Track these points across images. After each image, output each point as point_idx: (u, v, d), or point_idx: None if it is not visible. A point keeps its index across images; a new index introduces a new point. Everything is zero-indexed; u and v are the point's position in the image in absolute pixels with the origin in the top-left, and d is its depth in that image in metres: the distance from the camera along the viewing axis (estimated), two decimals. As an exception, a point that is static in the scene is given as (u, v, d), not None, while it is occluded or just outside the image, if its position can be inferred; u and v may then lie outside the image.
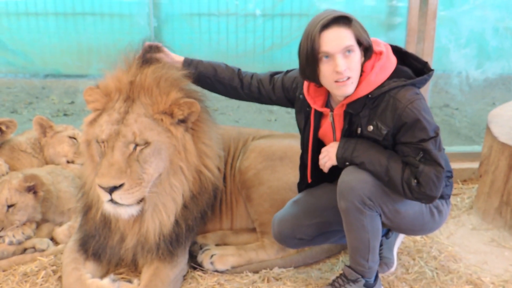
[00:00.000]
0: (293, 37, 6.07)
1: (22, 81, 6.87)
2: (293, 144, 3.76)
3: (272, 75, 3.36)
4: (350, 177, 2.89)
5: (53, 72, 6.60)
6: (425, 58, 4.52)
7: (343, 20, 2.73)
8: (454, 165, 4.72)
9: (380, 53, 2.85)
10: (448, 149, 5.09)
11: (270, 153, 3.70)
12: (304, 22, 6.04)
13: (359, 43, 2.76)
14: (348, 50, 2.72)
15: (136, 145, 2.96)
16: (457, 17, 5.92)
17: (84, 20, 6.12)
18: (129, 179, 2.90)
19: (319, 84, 2.89)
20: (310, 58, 2.77)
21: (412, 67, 2.95)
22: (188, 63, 3.38)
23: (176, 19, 5.97)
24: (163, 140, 3.03)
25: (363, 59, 2.82)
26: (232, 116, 6.39)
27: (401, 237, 3.57)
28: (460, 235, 4.01)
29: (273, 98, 3.33)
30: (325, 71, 2.77)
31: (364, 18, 6.03)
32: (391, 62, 2.86)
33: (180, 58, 3.39)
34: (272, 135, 4.00)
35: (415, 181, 2.75)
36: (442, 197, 3.06)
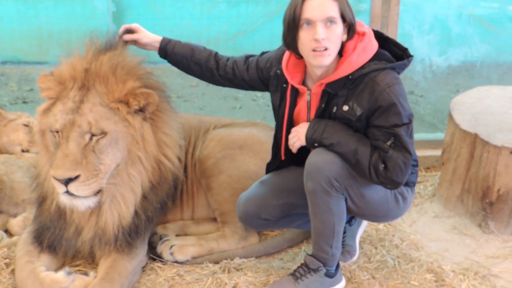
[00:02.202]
0: (258, 23, 6.02)
1: (-21, 68, 6.68)
2: (253, 133, 3.71)
3: (248, 57, 3.30)
4: (318, 158, 2.86)
5: (11, 58, 6.44)
6: (388, 45, 4.52)
7: None
8: (418, 153, 4.71)
9: (363, 34, 2.83)
10: (412, 136, 5.11)
11: (229, 142, 3.64)
12: (269, 9, 6.00)
13: (343, 18, 2.73)
14: (330, 20, 2.68)
15: (92, 135, 2.87)
16: (421, 3, 5.93)
17: (43, 4, 5.97)
18: (85, 170, 2.81)
19: (298, 54, 2.86)
20: (291, 24, 2.75)
21: (392, 53, 2.92)
22: (166, 42, 3.28)
23: (139, 4, 5.88)
24: (120, 130, 2.94)
25: (345, 36, 2.79)
26: (196, 103, 6.30)
27: (363, 225, 3.56)
28: (423, 223, 4.02)
29: (246, 78, 3.24)
30: (304, 38, 2.73)
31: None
32: (373, 45, 2.84)
33: (158, 38, 3.29)
34: (234, 123, 3.94)
35: (383, 165, 2.75)
36: (407, 184, 3.06)
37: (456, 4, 6.16)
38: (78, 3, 5.88)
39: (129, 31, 3.29)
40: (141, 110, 3.03)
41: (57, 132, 2.92)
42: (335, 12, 2.69)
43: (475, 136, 3.87)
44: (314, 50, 2.72)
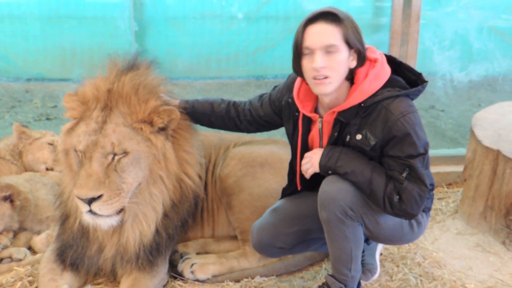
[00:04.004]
0: (278, 39, 6.03)
1: (4, 85, 6.78)
2: (274, 150, 3.72)
3: (261, 95, 3.31)
4: (331, 187, 2.82)
5: (36, 75, 6.52)
6: (409, 61, 4.54)
7: (331, 16, 2.64)
8: (439, 169, 4.75)
9: (375, 60, 2.76)
10: (433, 152, 5.07)
11: (250, 160, 3.64)
12: (289, 24, 6.02)
13: (349, 44, 2.67)
14: (330, 49, 2.63)
15: (115, 155, 2.90)
16: (441, 18, 5.90)
17: (67, 23, 6.06)
18: (107, 190, 2.84)
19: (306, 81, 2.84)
20: (295, 51, 2.74)
21: (405, 78, 2.86)
22: (184, 103, 3.31)
23: (160, 22, 5.92)
24: (142, 150, 2.97)
25: (354, 62, 2.73)
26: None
27: (383, 242, 3.54)
28: (445, 240, 3.97)
29: (261, 115, 3.24)
30: (305, 66, 2.72)
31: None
32: (386, 70, 2.77)
33: (175, 101, 3.29)
34: (254, 141, 3.95)
35: (397, 197, 2.71)
36: (423, 210, 3.01)
37: (477, 18, 6.10)
38: (101, 22, 5.95)
39: None
40: (163, 129, 3.05)
41: (80, 152, 2.95)
42: (335, 39, 2.63)
43: (498, 152, 3.83)
44: (314, 78, 2.69)
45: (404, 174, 2.69)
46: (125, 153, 2.91)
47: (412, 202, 2.70)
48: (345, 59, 2.68)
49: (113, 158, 2.89)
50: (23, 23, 6.14)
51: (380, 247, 3.51)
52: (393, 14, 4.68)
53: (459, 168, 4.61)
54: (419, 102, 6.64)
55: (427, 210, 3.07)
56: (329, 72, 2.66)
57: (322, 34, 2.63)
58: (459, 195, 4.52)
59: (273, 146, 3.79)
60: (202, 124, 3.39)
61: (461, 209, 4.24)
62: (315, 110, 2.98)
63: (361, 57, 2.73)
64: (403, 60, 4.48)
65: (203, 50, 6.06)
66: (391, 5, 4.67)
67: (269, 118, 3.24)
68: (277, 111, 3.19)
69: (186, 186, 3.22)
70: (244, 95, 6.71)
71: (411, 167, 2.68)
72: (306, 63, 2.71)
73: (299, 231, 3.13)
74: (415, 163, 2.68)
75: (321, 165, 2.87)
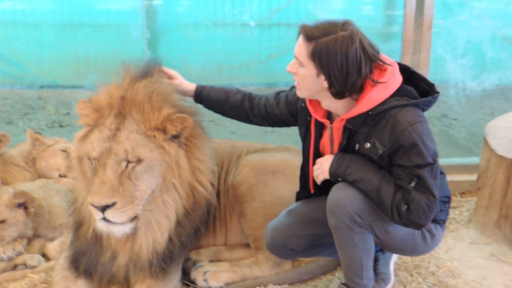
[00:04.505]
0: (290, 47, 6.03)
1: (18, 92, 6.85)
2: (286, 158, 3.72)
3: (279, 92, 3.34)
4: (339, 194, 2.84)
5: (49, 82, 6.59)
6: (421, 69, 4.53)
7: (305, 32, 2.67)
8: (452, 178, 4.72)
9: (385, 69, 2.74)
10: (446, 161, 5.05)
11: (262, 168, 3.65)
12: (301, 32, 6.01)
13: (323, 70, 2.65)
14: (298, 61, 2.73)
15: (128, 162, 2.91)
16: (454, 27, 5.89)
17: (80, 31, 6.12)
18: (121, 197, 2.84)
19: None
20: None
21: (418, 88, 2.85)
22: (200, 88, 3.37)
23: (172, 29, 5.96)
24: (155, 157, 2.97)
25: (325, 84, 2.69)
26: (228, 127, 6.34)
27: (398, 251, 3.53)
28: (459, 250, 3.94)
29: (276, 113, 3.27)
30: None
31: (362, 28, 6.02)
32: (396, 80, 2.75)
33: (193, 85, 3.38)
34: (266, 148, 3.95)
35: (405, 206, 2.70)
36: (436, 221, 3.01)
37: (490, 27, 6.09)
38: (114, 30, 6.00)
39: (168, 77, 3.37)
40: (176, 136, 3.06)
41: (94, 159, 2.97)
42: (300, 55, 2.69)
43: (511, 161, 3.81)
44: None
45: (413, 184, 2.68)
46: (139, 160, 2.91)
47: (420, 212, 2.69)
48: (309, 76, 2.71)
49: (126, 166, 2.90)
50: (38, 30, 6.20)
51: (394, 256, 3.49)
52: (405, 23, 4.66)
53: (473, 177, 4.57)
54: (432, 111, 6.60)
55: (442, 222, 3.07)
56: (297, 79, 2.80)
57: (296, 45, 2.73)
58: (472, 204, 4.49)
59: (286, 153, 3.79)
60: (215, 111, 3.42)
61: (475, 218, 4.21)
62: (329, 116, 2.99)
63: (332, 83, 2.67)
64: (416, 69, 4.50)
65: (215, 57, 6.10)
66: (403, 13, 4.65)
67: (284, 117, 3.28)
68: (292, 112, 3.22)
69: (199, 194, 3.23)
70: (256, 102, 6.73)
71: (419, 177, 2.67)
72: None
73: (312, 235, 3.14)
74: (423, 173, 2.67)
75: (331, 172, 2.88)
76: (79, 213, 3.24)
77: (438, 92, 2.83)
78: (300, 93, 2.84)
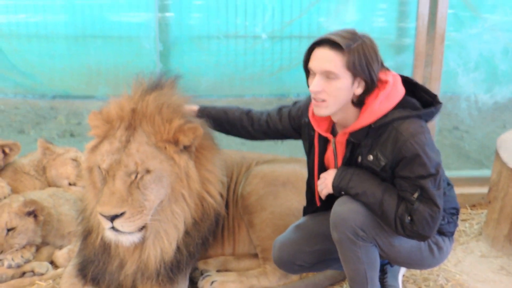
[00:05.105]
0: (301, 59, 6.05)
1: (30, 102, 6.88)
2: (296, 169, 3.71)
3: (281, 108, 3.33)
4: (342, 208, 2.82)
5: (61, 93, 6.62)
6: (433, 82, 4.51)
7: (335, 44, 2.62)
8: (463, 190, 4.69)
9: (386, 82, 2.74)
10: (457, 173, 5.03)
11: (272, 179, 3.65)
12: (312, 44, 6.03)
13: (354, 72, 2.65)
14: (329, 75, 2.63)
15: (137, 173, 2.92)
16: (466, 40, 5.87)
17: (93, 42, 6.16)
18: (130, 207, 2.85)
19: None
20: (304, 70, 2.78)
21: (422, 100, 2.84)
22: (202, 110, 3.39)
23: (185, 41, 5.98)
24: (165, 168, 2.98)
25: (360, 90, 2.71)
26: (238, 138, 6.33)
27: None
28: (469, 263, 3.91)
29: (279, 128, 3.27)
30: (309, 85, 2.74)
31: (374, 40, 6.02)
32: (398, 92, 2.75)
33: (194, 108, 3.38)
34: (276, 159, 3.95)
35: (409, 218, 2.67)
36: (444, 234, 2.98)
37: (502, 40, 6.05)
38: (126, 42, 6.04)
39: None
40: (186, 147, 3.07)
41: (104, 170, 2.97)
42: (335, 67, 2.61)
43: (523, 174, 3.78)
44: (314, 99, 2.72)
45: (416, 195, 2.66)
46: (148, 171, 2.92)
47: (424, 223, 2.66)
48: (345, 87, 2.67)
49: (136, 176, 2.91)
50: (50, 42, 6.25)
51: (403, 268, 3.46)
52: (417, 36, 4.66)
53: (483, 190, 4.55)
54: (443, 123, 6.63)
55: (450, 234, 3.03)
56: (325, 96, 2.67)
57: (323, 60, 2.63)
58: (483, 216, 4.46)
59: (295, 165, 3.79)
60: (218, 131, 3.43)
61: (485, 231, 4.17)
62: (332, 130, 2.98)
63: (371, 85, 2.71)
64: (427, 82, 4.49)
65: (227, 69, 6.11)
66: (415, 26, 4.65)
67: (287, 132, 3.28)
68: (296, 127, 3.21)
69: (208, 204, 3.23)
70: (266, 114, 6.74)
71: (422, 188, 2.65)
72: (309, 83, 2.75)
73: (319, 250, 3.12)
74: (426, 183, 2.65)
75: (334, 186, 2.88)
76: (88, 222, 3.25)
77: (440, 103, 2.81)
78: (327, 110, 2.72)
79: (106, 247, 3.18)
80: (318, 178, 3.06)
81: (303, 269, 3.22)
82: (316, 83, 2.65)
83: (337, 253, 3.01)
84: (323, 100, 2.68)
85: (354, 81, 2.68)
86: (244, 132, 3.40)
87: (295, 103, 3.27)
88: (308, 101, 3.11)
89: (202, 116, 3.35)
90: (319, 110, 2.74)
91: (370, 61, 2.66)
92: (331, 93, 2.66)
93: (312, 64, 2.67)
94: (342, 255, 2.89)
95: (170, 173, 3.00)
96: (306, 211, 3.30)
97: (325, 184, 2.93)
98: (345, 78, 2.65)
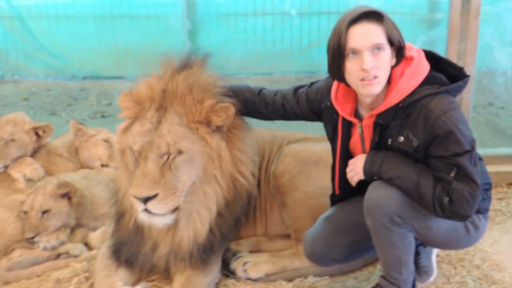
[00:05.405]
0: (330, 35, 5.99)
1: (61, 83, 6.99)
2: (328, 148, 3.64)
3: (296, 89, 3.25)
4: (377, 193, 2.75)
5: (91, 74, 6.70)
6: (468, 57, 4.41)
7: (374, 15, 2.59)
8: (499, 168, 4.60)
9: (411, 58, 2.69)
10: (493, 151, 4.94)
11: (305, 158, 3.61)
12: (341, 19, 5.98)
13: (390, 42, 2.62)
14: (378, 47, 2.58)
15: (169, 154, 2.92)
16: (502, 13, 5.73)
17: (120, 22, 6.20)
18: (163, 189, 2.86)
19: (345, 83, 2.76)
20: (337, 54, 2.64)
21: (447, 74, 2.77)
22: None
23: (212, 19, 5.97)
24: (197, 149, 2.97)
25: (394, 60, 2.68)
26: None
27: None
28: (505, 243, 3.85)
29: (297, 112, 3.22)
30: (351, 68, 2.63)
31: (404, 14, 5.93)
32: (423, 68, 2.69)
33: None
34: (307, 138, 3.91)
35: (447, 198, 2.60)
36: (479, 211, 2.89)
37: (541, 12, 5.92)
38: (154, 21, 6.06)
39: None
40: (218, 127, 3.05)
41: (136, 151, 2.98)
42: (381, 38, 2.58)
43: (562, 151, 3.68)
44: (362, 80, 2.62)
45: (452, 174, 2.58)
46: (180, 152, 2.92)
47: (464, 202, 2.58)
48: (389, 58, 2.64)
49: (168, 158, 2.91)
50: (78, 23, 6.31)
51: (436, 249, 3.41)
52: (451, 9, 4.55)
53: (520, 167, 4.47)
54: (478, 99, 6.50)
55: (484, 211, 2.95)
56: (377, 71, 2.60)
57: (369, 34, 2.58)
58: (520, 195, 4.39)
59: (327, 143, 3.71)
60: None
61: (523, 210, 4.10)
62: (356, 114, 2.91)
63: (401, 53, 2.68)
64: (462, 57, 4.39)
65: (255, 47, 6.09)
66: (449, 0, 4.54)
67: (305, 116, 3.22)
68: (315, 111, 3.15)
69: (240, 185, 3.22)
70: (296, 91, 6.70)
71: (459, 166, 2.58)
72: (352, 65, 2.63)
73: (352, 242, 3.06)
74: (463, 161, 2.57)
75: (365, 171, 2.81)
76: (121, 204, 3.28)
77: (468, 76, 2.73)
78: (380, 86, 2.64)
79: (139, 229, 3.20)
80: (340, 163, 3.01)
81: (337, 262, 3.15)
82: (369, 59, 2.57)
83: (370, 242, 2.95)
84: (375, 76, 2.61)
85: (392, 51, 2.65)
86: (257, 114, 3.35)
87: (311, 84, 3.19)
88: (328, 84, 3.03)
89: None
90: (372, 88, 2.63)
91: (399, 29, 2.65)
92: (381, 66, 2.61)
93: (356, 43, 2.58)
94: (377, 241, 2.84)
95: (202, 154, 2.99)
96: (333, 199, 3.22)
97: (355, 170, 2.86)
98: (388, 49, 2.62)
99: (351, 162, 2.91)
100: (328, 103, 2.98)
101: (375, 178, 2.79)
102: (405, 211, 2.72)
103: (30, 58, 6.44)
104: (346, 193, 3.11)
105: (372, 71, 2.58)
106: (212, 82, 3.17)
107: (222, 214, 3.19)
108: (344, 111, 2.88)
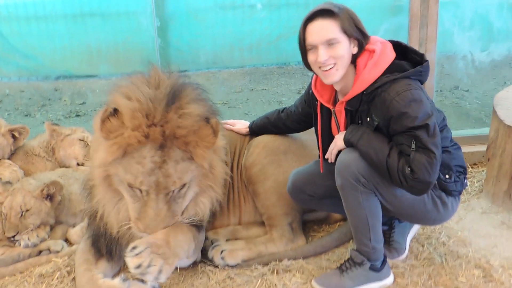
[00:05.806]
0: (300, 26, 6.03)
1: (34, 84, 6.95)
2: (296, 138, 3.81)
3: (300, 97, 3.64)
4: (347, 155, 3.01)
5: (64, 73, 6.67)
6: (429, 43, 4.56)
7: (327, 12, 2.86)
8: (464, 149, 4.67)
9: (373, 51, 2.95)
10: (458, 132, 5.08)
11: (274, 148, 3.73)
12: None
13: (348, 34, 2.89)
14: (331, 42, 2.86)
15: (175, 189, 2.96)
16: (460, -1, 5.87)
17: (91, 20, 6.18)
18: (169, 221, 2.97)
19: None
20: (301, 49, 3.01)
21: (412, 61, 3.01)
22: (251, 126, 3.90)
23: (181, 15, 6.01)
24: (195, 174, 3.04)
25: (356, 49, 2.95)
26: (241, 109, 6.39)
27: (416, 226, 3.63)
28: (470, 219, 4.00)
29: (301, 111, 3.59)
30: (311, 60, 2.99)
31: (370, 2, 6.02)
32: (386, 58, 2.95)
33: (247, 126, 3.92)
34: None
35: (409, 168, 2.80)
36: (449, 192, 3.10)
37: (496, -2, 6.06)
38: (124, 18, 6.06)
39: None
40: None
41: (143, 190, 2.93)
42: (335, 33, 2.87)
43: (520, 131, 3.84)
44: (322, 70, 2.93)
45: (412, 146, 2.81)
46: (183, 185, 2.98)
47: (423, 169, 2.78)
48: (346, 48, 2.92)
49: (173, 192, 2.96)
50: (49, 22, 6.27)
51: (413, 231, 3.61)
52: (411, -3, 4.67)
53: (483, 148, 4.61)
54: (443, 83, 6.64)
55: (456, 193, 3.16)
56: (333, 60, 2.91)
57: (321, 30, 2.88)
58: (483, 174, 4.54)
59: (295, 134, 3.86)
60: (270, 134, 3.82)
61: (486, 188, 4.26)
62: (335, 101, 3.19)
63: (360, 43, 2.95)
64: (424, 43, 4.54)
65: (226, 41, 6.16)
66: (409, -13, 4.66)
67: (306, 112, 3.54)
68: (308, 104, 3.45)
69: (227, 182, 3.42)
70: (268, 83, 6.76)
71: (416, 137, 2.80)
72: (311, 58, 2.97)
73: (330, 186, 3.21)
74: (419, 132, 2.79)
75: (345, 140, 3.05)
76: (101, 221, 3.22)
77: (426, 61, 2.99)
78: (338, 73, 2.95)
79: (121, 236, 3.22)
80: (323, 147, 3.29)
81: (312, 200, 3.41)
82: (322, 53, 2.89)
83: None
84: (333, 65, 2.91)
85: (350, 41, 2.92)
86: (286, 129, 3.78)
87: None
88: (311, 79, 3.33)
89: (252, 130, 3.88)
90: (331, 77, 2.95)
91: (357, 21, 2.94)
92: (337, 56, 2.89)
93: (311, 39, 2.90)
94: (345, 201, 3.06)
95: (197, 175, 3.05)
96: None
97: (334, 144, 3.15)
98: (343, 41, 2.90)
99: (332, 142, 3.19)
100: (310, 92, 3.30)
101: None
102: (370, 174, 2.96)
103: (1, 60, 6.38)
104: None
105: (328, 62, 2.89)
106: (205, 110, 3.06)
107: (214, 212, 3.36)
108: (322, 98, 3.20)
